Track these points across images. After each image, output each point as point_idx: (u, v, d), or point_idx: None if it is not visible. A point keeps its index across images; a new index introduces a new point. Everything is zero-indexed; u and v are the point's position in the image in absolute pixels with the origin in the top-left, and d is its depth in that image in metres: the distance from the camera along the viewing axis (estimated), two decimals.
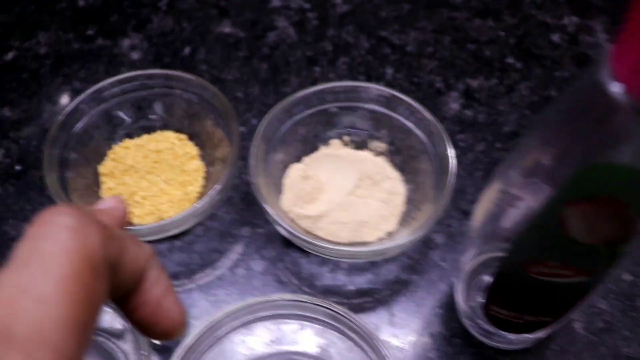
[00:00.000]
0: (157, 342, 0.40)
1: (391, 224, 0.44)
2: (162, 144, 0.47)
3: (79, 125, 0.45)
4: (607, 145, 0.24)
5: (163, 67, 0.55)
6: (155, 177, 0.45)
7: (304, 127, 0.46)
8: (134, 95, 0.47)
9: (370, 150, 0.48)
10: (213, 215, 0.46)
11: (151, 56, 0.56)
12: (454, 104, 0.53)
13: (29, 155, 0.50)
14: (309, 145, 0.47)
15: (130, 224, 0.44)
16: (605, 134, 0.23)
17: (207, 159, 0.47)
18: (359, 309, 0.43)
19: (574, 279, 0.29)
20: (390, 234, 0.44)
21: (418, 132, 0.45)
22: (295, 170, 0.46)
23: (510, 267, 0.31)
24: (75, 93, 0.53)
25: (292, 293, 0.43)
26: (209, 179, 0.46)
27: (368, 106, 0.46)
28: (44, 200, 0.47)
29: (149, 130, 0.48)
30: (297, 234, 0.40)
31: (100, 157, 0.47)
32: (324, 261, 0.45)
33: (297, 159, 0.47)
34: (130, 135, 0.48)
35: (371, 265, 0.45)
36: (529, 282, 0.31)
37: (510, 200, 0.30)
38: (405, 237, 0.40)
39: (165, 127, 0.49)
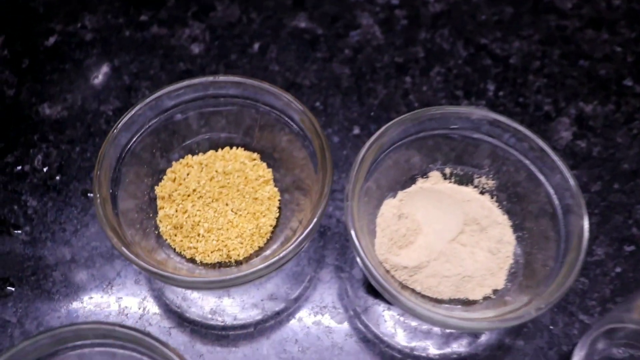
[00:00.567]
0: None
1: (499, 280, 0.38)
2: (231, 164, 0.40)
3: (135, 138, 0.38)
4: None
5: (228, 65, 0.47)
6: (223, 206, 0.38)
7: (402, 155, 0.39)
8: (198, 104, 0.40)
9: (476, 187, 0.40)
10: None
11: (215, 51, 0.48)
12: (564, 132, 0.45)
13: (72, 164, 0.43)
14: (404, 176, 0.40)
15: (192, 260, 0.37)
16: None
17: (282, 184, 0.40)
18: None
19: None
20: (496, 292, 0.37)
21: (534, 168, 0.38)
22: (389, 208, 0.39)
23: None
24: (125, 90, 0.46)
25: None
26: (283, 208, 0.39)
27: (481, 137, 0.39)
28: (87, 220, 0.40)
29: (215, 146, 0.41)
30: (397, 295, 0.32)
31: (157, 175, 0.40)
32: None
33: (392, 193, 0.40)
34: (192, 151, 0.41)
35: None
36: None
37: None
38: (523, 306, 0.33)
39: (232, 142, 0.41)
